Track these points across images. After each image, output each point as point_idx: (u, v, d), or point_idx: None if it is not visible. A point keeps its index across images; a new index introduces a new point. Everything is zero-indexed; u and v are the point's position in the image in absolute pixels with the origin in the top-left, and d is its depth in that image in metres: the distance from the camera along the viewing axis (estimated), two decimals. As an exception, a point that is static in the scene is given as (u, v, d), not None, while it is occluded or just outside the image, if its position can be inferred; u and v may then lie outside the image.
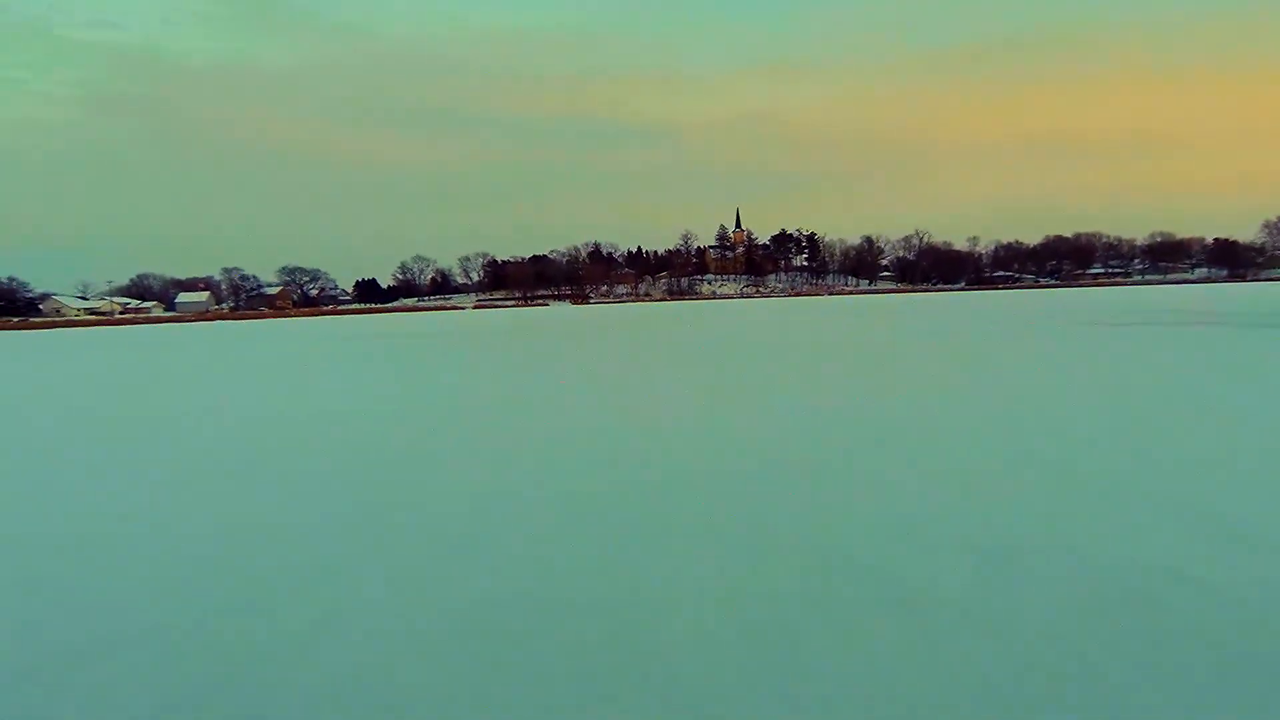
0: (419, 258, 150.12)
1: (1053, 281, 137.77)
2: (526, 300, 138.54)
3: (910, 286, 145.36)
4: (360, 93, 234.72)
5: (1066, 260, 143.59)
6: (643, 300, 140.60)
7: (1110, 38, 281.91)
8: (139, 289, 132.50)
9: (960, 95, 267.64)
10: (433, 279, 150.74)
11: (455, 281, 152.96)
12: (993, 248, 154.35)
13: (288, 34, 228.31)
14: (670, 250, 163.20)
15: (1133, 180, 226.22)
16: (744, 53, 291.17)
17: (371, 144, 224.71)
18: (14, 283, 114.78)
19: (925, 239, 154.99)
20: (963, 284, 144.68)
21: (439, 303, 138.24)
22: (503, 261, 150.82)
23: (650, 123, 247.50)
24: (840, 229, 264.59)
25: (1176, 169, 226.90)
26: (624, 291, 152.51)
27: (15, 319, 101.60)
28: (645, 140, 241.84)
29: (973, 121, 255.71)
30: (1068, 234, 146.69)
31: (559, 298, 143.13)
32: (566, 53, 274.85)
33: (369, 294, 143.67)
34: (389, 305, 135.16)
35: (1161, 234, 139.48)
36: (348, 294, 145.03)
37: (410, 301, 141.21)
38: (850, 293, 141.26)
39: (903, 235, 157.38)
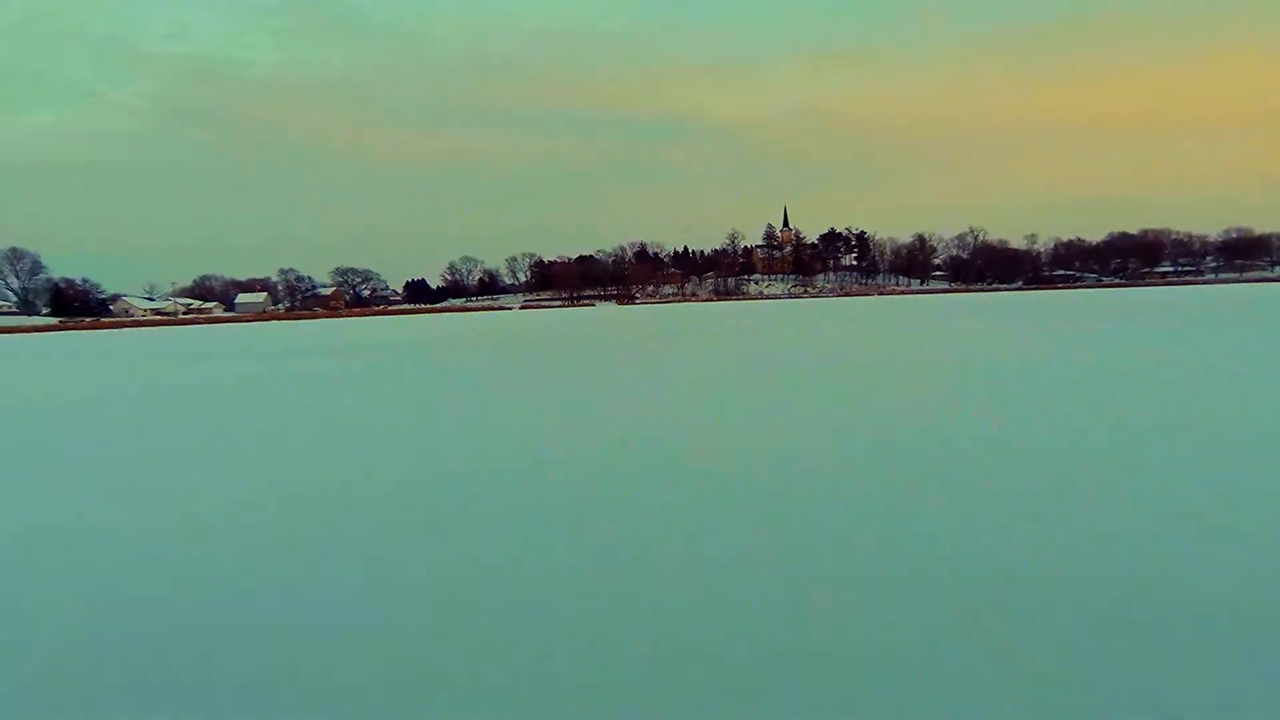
0: (467, 258, 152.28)
1: (1117, 280, 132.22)
2: (573, 300, 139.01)
3: (964, 286, 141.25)
4: (413, 96, 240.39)
5: (1132, 258, 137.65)
6: (689, 300, 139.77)
7: (1177, 18, 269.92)
8: (201, 290, 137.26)
9: (1018, 83, 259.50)
10: (480, 279, 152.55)
11: (503, 282, 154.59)
12: (1051, 245, 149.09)
13: (346, 41, 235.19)
14: (717, 250, 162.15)
15: (1204, 171, 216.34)
16: (792, 46, 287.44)
17: (422, 146, 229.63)
18: (87, 284, 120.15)
19: (980, 237, 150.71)
20: (1019, 284, 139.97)
21: (487, 303, 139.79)
22: (549, 262, 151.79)
23: (698, 120, 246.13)
24: (891, 227, 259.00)
25: (1253, 159, 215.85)
26: (670, 292, 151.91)
27: (88, 319, 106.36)
28: (693, 138, 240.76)
29: (1031, 111, 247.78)
30: (1133, 230, 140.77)
31: (605, 298, 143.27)
32: (613, 50, 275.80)
33: (418, 294, 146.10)
34: (438, 305, 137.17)
35: (1238, 229, 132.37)
36: (398, 294, 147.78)
37: (459, 302, 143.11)
38: (902, 293, 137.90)
39: (956, 233, 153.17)
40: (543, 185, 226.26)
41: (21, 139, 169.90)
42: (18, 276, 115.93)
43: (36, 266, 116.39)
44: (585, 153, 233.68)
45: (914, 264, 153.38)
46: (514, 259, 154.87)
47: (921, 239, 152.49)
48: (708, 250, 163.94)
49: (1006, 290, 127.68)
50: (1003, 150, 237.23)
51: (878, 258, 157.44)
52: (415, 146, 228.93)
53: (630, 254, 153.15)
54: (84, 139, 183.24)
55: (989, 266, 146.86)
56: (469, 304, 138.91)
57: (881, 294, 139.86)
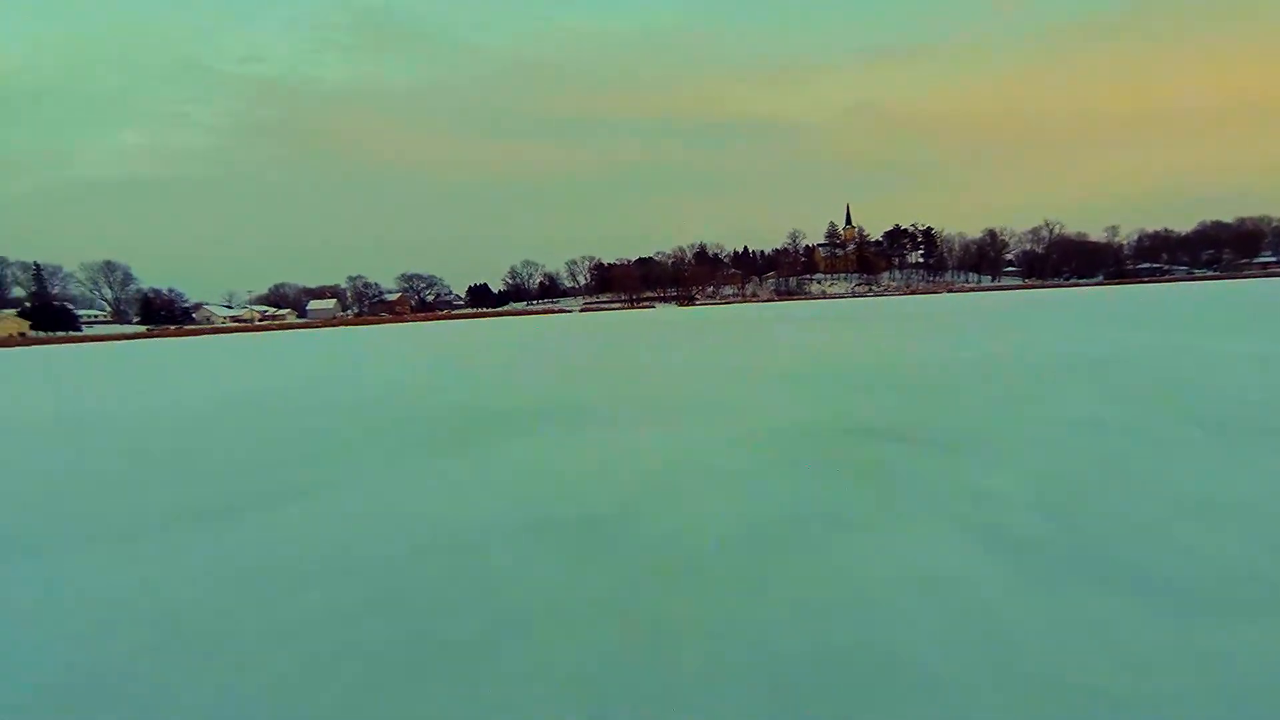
0: (528, 262, 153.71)
1: (1211, 273, 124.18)
2: (633, 303, 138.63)
3: (1039, 281, 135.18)
4: (472, 106, 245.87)
5: (1226, 248, 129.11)
6: (750, 301, 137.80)
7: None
8: (276, 298, 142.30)
9: (1089, 73, 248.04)
10: (541, 283, 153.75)
11: (563, 285, 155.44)
12: (1135, 237, 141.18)
13: (408, 55, 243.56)
14: (778, 249, 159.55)
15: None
16: (846, 43, 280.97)
17: (481, 153, 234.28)
18: (173, 294, 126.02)
19: (1056, 230, 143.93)
20: (1100, 278, 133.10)
21: (547, 306, 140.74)
22: (609, 264, 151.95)
23: (755, 119, 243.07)
24: (960, 223, 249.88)
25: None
26: (731, 293, 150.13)
27: (173, 326, 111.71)
28: (750, 137, 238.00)
29: (1106, 101, 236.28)
30: (1227, 219, 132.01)
31: (665, 300, 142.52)
32: (665, 54, 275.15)
33: (481, 298, 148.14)
34: (499, 309, 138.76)
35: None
36: (461, 298, 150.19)
37: (519, 305, 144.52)
38: (971, 290, 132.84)
39: (1030, 227, 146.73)
40: (601, 191, 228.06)
41: (116, 158, 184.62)
42: (111, 288, 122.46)
43: (127, 278, 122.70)
44: (642, 157, 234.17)
45: (984, 260, 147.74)
46: (574, 262, 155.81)
47: (992, 233, 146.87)
48: (768, 250, 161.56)
49: (1087, 285, 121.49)
50: (1077, 142, 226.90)
51: (945, 254, 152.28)
52: (475, 155, 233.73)
53: (690, 255, 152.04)
54: (171, 157, 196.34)
55: (1065, 260, 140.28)
56: (529, 307, 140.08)
57: (950, 291, 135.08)
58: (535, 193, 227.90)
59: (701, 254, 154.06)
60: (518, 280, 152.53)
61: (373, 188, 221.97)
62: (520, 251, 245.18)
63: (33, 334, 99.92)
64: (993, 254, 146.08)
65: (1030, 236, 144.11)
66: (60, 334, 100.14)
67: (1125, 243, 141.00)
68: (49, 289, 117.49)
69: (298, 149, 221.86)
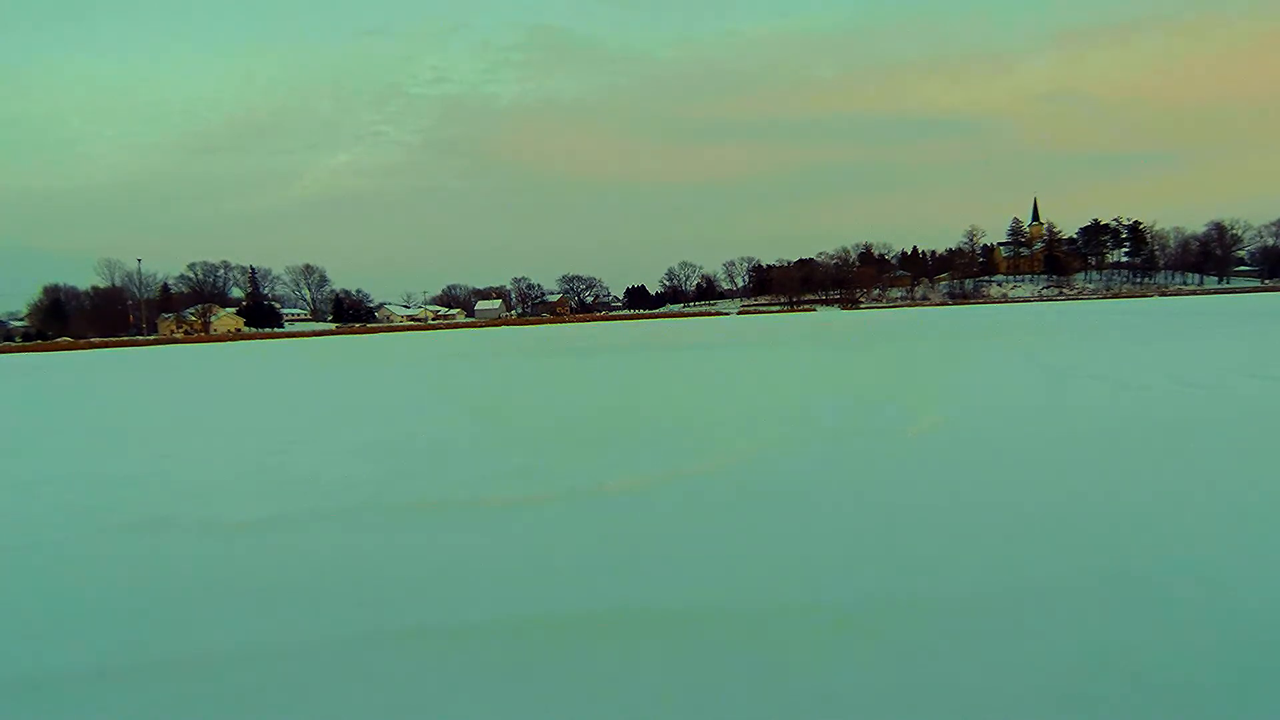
0: (685, 264, 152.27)
1: None
2: (792, 305, 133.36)
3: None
4: (638, 114, 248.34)
5: None
6: (920, 305, 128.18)
7: None
8: (448, 298, 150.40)
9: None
10: (698, 285, 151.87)
11: (720, 287, 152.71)
12: None
13: (578, 68, 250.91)
14: (952, 249, 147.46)
15: None
16: (1038, 28, 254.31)
17: (645, 158, 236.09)
18: (360, 294, 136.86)
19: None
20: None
21: (704, 308, 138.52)
22: (768, 266, 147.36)
23: (931, 112, 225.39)
24: (1170, 217, 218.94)
25: None
26: (899, 295, 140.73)
27: (357, 324, 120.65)
28: (925, 131, 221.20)
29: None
30: None
31: (826, 303, 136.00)
32: (838, 51, 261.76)
33: (638, 300, 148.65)
34: (656, 311, 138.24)
35: None
36: (619, 300, 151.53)
37: (676, 307, 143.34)
38: (1193, 293, 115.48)
39: (1271, 220, 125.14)
40: (764, 192, 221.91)
41: (326, 177, 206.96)
42: (309, 288, 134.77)
43: (323, 280, 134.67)
44: (810, 158, 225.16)
45: (1208, 258, 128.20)
46: (731, 264, 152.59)
47: (1219, 227, 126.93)
48: (940, 250, 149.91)
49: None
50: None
51: (1156, 252, 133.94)
52: (641, 160, 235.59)
53: (854, 255, 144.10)
54: (370, 173, 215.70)
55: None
56: (686, 310, 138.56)
57: (1163, 295, 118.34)
58: (697, 196, 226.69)
59: (866, 254, 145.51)
60: (675, 282, 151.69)
61: (540, 194, 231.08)
62: (678, 253, 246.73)
63: (245, 330, 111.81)
64: (1220, 251, 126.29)
65: (1274, 229, 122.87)
66: (266, 330, 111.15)
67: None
68: (261, 290, 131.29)
69: (475, 161, 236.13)
